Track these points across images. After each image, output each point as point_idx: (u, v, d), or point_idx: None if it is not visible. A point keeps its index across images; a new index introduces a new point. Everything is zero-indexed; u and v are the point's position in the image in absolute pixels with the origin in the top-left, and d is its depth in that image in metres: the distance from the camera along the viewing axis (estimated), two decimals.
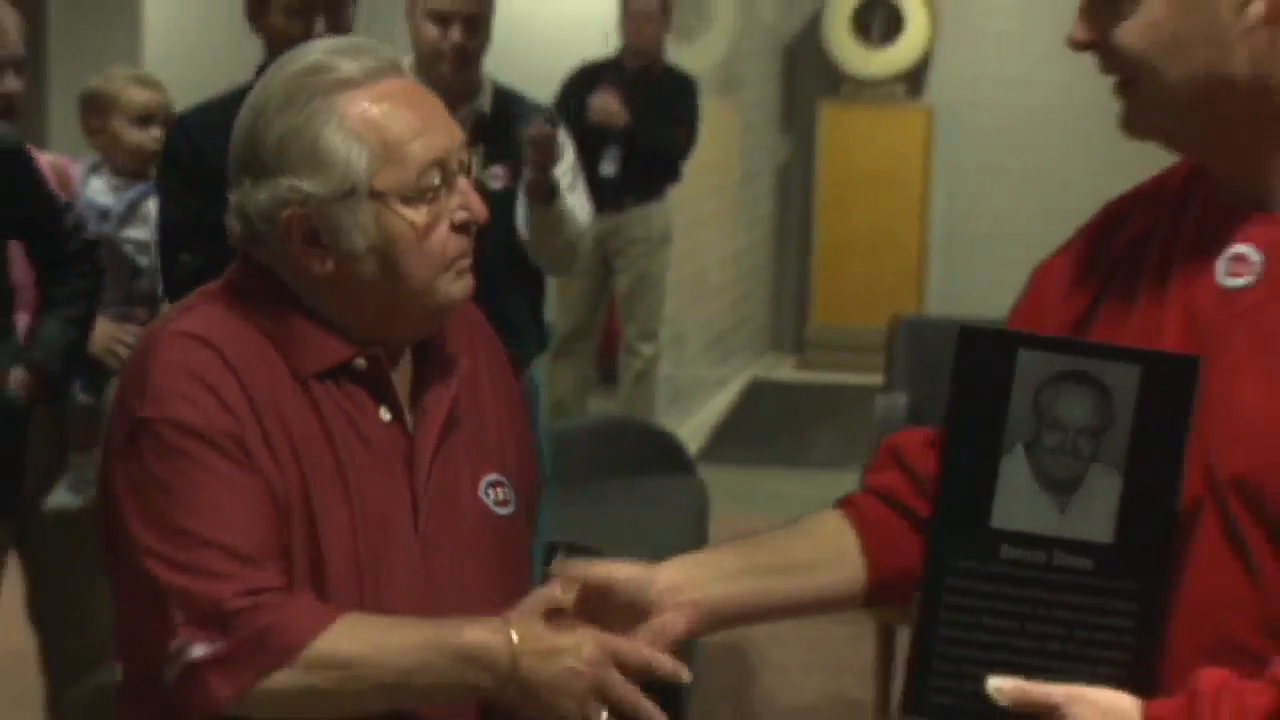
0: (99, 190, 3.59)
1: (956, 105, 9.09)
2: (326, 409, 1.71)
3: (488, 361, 1.87)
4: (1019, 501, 1.45)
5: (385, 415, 1.75)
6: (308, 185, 1.68)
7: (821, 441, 7.48)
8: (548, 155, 3.26)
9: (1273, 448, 1.44)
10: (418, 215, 1.69)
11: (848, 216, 9.10)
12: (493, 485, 1.81)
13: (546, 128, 3.26)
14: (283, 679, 1.61)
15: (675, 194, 6.84)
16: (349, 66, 1.69)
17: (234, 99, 2.72)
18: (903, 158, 9.07)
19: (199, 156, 2.97)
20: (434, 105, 1.72)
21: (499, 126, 3.34)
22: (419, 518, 1.72)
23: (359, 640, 1.62)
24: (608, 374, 7.29)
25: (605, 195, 5.54)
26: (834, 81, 9.21)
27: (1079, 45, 1.55)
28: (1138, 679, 1.41)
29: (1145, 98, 1.53)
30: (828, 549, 1.73)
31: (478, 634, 1.60)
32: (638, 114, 6.36)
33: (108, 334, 3.45)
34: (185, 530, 1.63)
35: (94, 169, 3.60)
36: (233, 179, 1.75)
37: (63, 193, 3.40)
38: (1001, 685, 1.43)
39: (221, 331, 1.71)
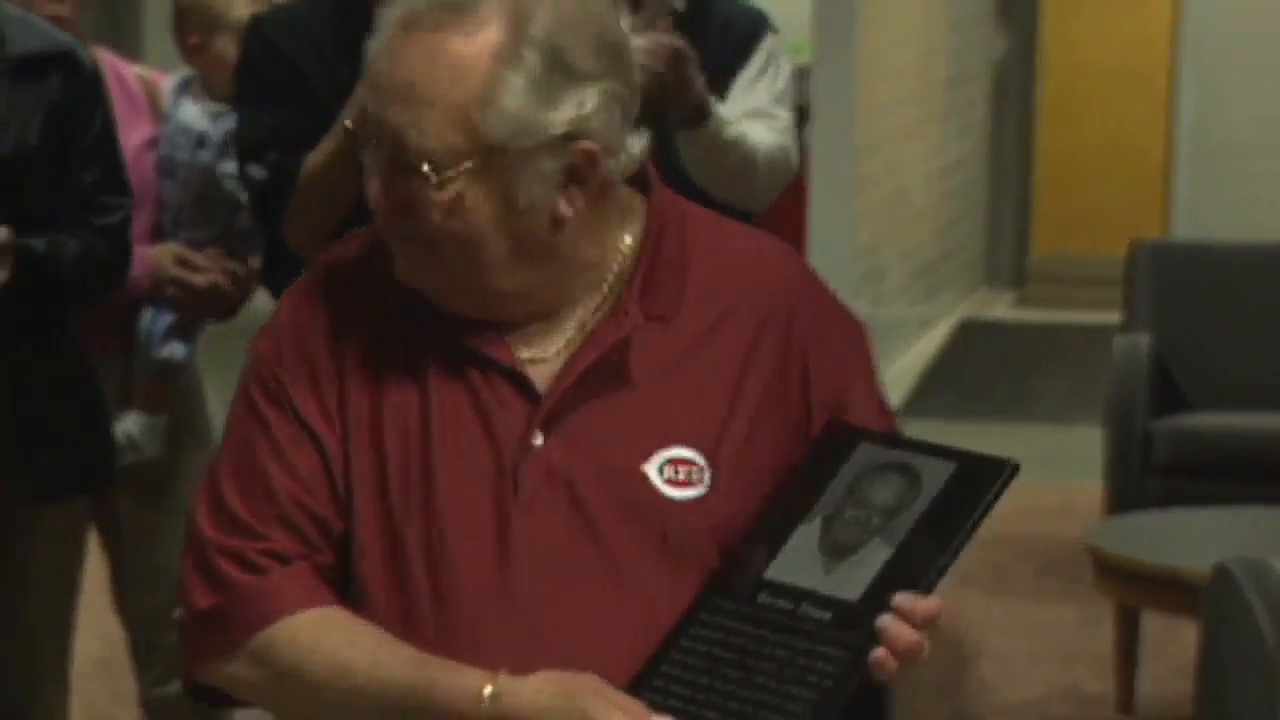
0: (194, 115, 3.37)
1: None
2: (439, 355, 1.76)
3: (755, 326, 1.81)
4: (796, 560, 1.71)
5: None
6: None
7: (1046, 391, 7.36)
8: (671, 63, 2.85)
9: None
10: (365, 159, 1.78)
11: (1077, 124, 9.02)
12: (674, 462, 1.76)
13: (664, 32, 2.88)
14: (231, 669, 1.71)
15: (870, 101, 6.79)
16: (426, 11, 1.73)
17: (317, 5, 2.96)
18: (1144, 50, 8.80)
19: (278, 60, 2.94)
20: (427, 72, 1.69)
21: (693, 30, 2.98)
22: (519, 487, 1.72)
23: (316, 646, 1.68)
24: None
25: None
26: None
27: None
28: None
29: None
30: None
31: (447, 696, 1.67)
32: None
33: (171, 255, 3.25)
34: (216, 479, 1.75)
35: (184, 86, 3.38)
36: None
37: (151, 110, 3.39)
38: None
39: (355, 261, 1.81)
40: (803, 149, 6.23)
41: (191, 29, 3.42)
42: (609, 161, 1.71)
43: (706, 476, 1.75)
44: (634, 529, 1.72)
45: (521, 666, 1.66)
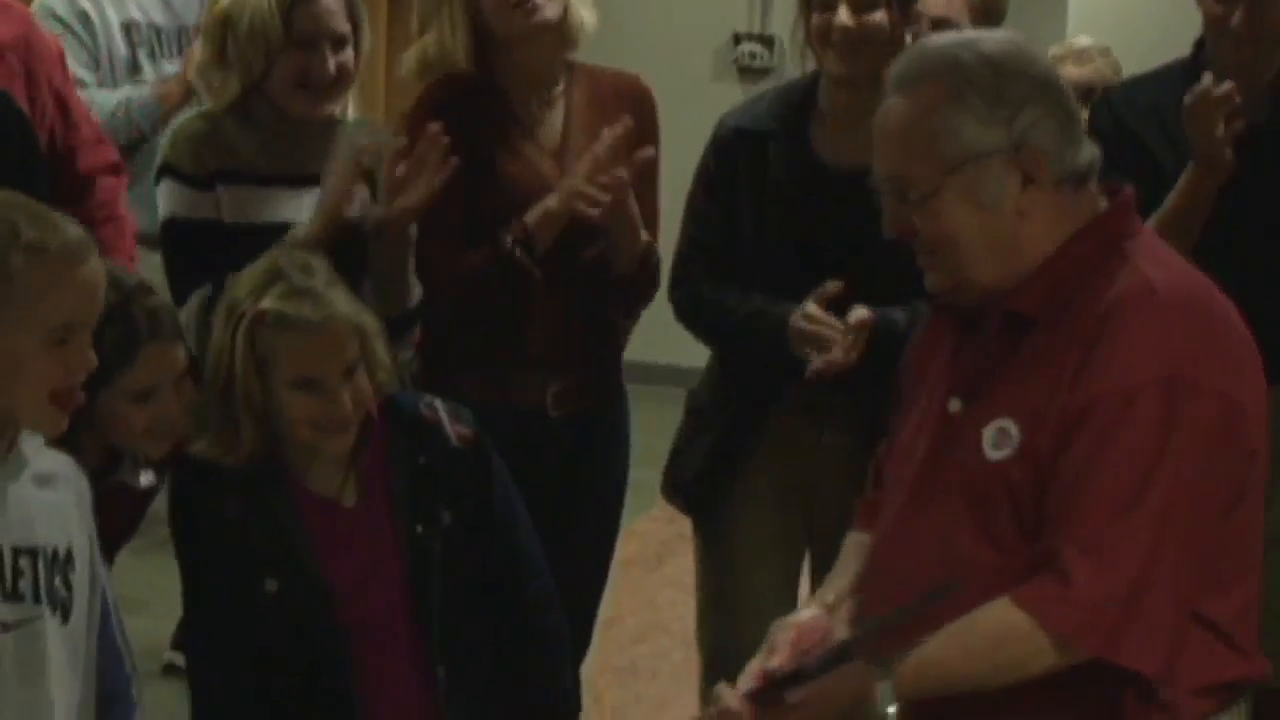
0: None
1: None
2: None
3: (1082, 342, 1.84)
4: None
5: None
6: None
7: None
8: None
9: None
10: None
11: None
12: (1001, 430, 1.89)
13: None
14: None
15: None
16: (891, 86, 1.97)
17: (1165, 76, 2.80)
18: None
19: (1124, 135, 2.76)
20: (895, 128, 1.93)
21: None
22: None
23: None
24: None
25: None
26: None
27: None
28: None
29: None
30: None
31: None
32: None
33: None
34: None
35: None
36: None
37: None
38: None
39: None
40: None
41: None
42: (1057, 165, 1.83)
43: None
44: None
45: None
